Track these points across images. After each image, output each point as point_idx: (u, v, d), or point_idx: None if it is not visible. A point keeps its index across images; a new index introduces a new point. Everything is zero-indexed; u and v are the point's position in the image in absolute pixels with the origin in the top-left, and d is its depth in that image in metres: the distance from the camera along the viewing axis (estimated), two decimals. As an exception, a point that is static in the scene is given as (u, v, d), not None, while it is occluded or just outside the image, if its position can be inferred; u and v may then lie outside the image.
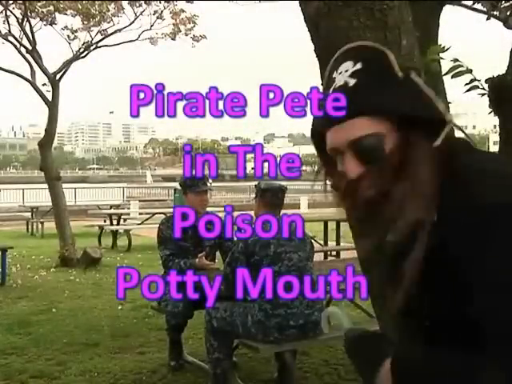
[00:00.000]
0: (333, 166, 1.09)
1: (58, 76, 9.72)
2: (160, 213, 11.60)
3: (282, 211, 3.79)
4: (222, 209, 13.74)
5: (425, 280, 0.99)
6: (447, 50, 1.88)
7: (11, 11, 9.67)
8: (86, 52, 10.38)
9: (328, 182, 1.15)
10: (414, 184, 1.00)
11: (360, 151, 1.01)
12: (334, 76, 1.06)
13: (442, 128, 1.03)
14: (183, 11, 10.99)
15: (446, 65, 1.93)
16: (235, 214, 14.60)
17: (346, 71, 1.04)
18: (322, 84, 1.14)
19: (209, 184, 4.58)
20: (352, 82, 1.02)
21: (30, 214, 15.29)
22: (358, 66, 1.03)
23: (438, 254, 0.97)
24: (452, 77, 1.89)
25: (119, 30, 10.59)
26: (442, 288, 0.99)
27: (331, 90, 1.05)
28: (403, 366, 0.99)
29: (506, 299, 0.90)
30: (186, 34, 11.16)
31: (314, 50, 1.80)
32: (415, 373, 0.97)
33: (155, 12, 10.91)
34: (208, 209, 4.73)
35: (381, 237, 1.13)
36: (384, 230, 1.12)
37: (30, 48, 9.60)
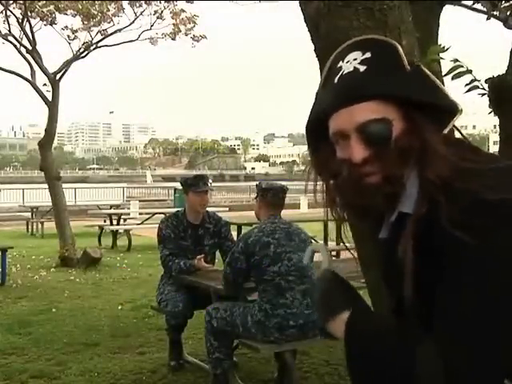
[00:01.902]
0: (330, 155, 1.09)
1: (58, 76, 9.72)
2: (160, 213, 11.60)
3: (283, 211, 3.79)
4: (222, 209, 13.77)
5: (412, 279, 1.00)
6: (447, 49, 1.88)
7: (11, 11, 9.67)
8: (86, 52, 10.37)
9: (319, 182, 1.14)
10: (425, 168, 1.00)
11: (366, 135, 1.01)
12: (339, 65, 1.06)
13: (452, 117, 1.04)
14: (183, 11, 10.98)
15: (446, 65, 1.93)
16: (236, 214, 14.58)
17: (355, 59, 1.05)
18: (321, 78, 1.13)
19: (209, 184, 4.59)
20: (362, 68, 1.03)
21: (30, 214, 15.29)
22: (368, 54, 1.04)
23: (425, 250, 0.97)
24: (452, 78, 1.89)
25: (119, 30, 10.58)
26: (426, 286, 0.99)
27: (338, 77, 1.05)
28: (356, 323, 1.04)
29: (464, 296, 0.91)
30: (186, 34, 11.15)
31: (314, 50, 1.80)
32: (364, 334, 1.02)
33: (155, 12, 10.90)
34: (208, 209, 4.74)
35: (377, 231, 1.14)
36: (380, 221, 1.12)
37: (30, 48, 9.59)
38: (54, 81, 9.66)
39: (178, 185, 17.79)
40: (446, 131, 1.04)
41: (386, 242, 1.11)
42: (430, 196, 0.98)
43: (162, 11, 10.91)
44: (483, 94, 2.00)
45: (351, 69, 1.04)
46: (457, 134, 1.13)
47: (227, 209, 15.16)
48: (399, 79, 1.02)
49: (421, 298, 1.00)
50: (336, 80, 1.05)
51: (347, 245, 1.22)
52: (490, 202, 0.91)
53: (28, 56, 9.61)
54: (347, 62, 1.05)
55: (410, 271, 0.98)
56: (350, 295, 1.10)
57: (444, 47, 1.89)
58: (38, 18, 10.03)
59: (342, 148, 1.05)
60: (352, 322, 1.03)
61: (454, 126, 1.07)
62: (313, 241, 4.01)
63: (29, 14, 9.56)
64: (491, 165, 0.98)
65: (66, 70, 9.90)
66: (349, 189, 1.05)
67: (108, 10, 10.45)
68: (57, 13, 10.23)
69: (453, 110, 1.04)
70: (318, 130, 1.10)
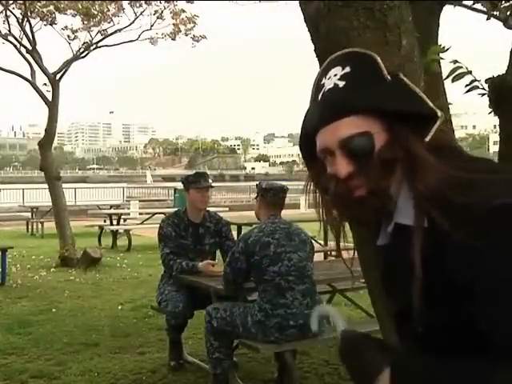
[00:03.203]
0: (322, 170, 1.10)
1: (58, 76, 9.73)
2: (160, 213, 11.60)
3: (283, 211, 3.79)
4: (222, 209, 13.77)
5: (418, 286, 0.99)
6: (447, 50, 1.88)
7: (11, 11, 9.67)
8: (86, 52, 10.38)
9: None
10: (413, 178, 1.00)
11: (349, 150, 1.02)
12: (322, 82, 1.08)
13: (433, 124, 1.04)
14: (183, 11, 10.98)
15: (446, 65, 1.93)
16: (236, 214, 14.56)
17: (335, 75, 1.06)
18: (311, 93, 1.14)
19: (210, 181, 4.61)
20: (341, 83, 1.04)
21: (30, 214, 15.29)
22: (347, 69, 1.05)
23: (432, 259, 0.96)
24: (452, 80, 1.89)
25: (119, 30, 10.58)
26: (436, 294, 0.98)
27: (321, 94, 1.07)
28: (405, 378, 0.98)
29: (509, 302, 0.90)
30: (186, 34, 11.16)
31: (314, 50, 1.80)
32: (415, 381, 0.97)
33: (155, 12, 10.90)
34: (208, 208, 4.74)
35: (375, 237, 1.13)
36: (378, 227, 1.12)
37: (30, 48, 9.60)
38: (54, 81, 9.66)
39: (177, 185, 17.81)
40: (427, 138, 1.04)
41: (385, 249, 1.11)
42: (426, 208, 0.97)
43: (162, 11, 10.91)
44: (483, 94, 2.00)
45: (331, 85, 1.05)
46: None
47: (227, 209, 15.16)
48: (378, 91, 1.03)
49: (428, 307, 0.99)
50: (320, 97, 1.07)
51: (344, 245, 1.21)
52: (492, 209, 0.91)
53: (28, 56, 9.62)
54: (328, 79, 1.07)
55: (419, 283, 0.97)
56: (382, 349, 1.05)
57: (444, 47, 1.89)
58: (38, 18, 10.03)
59: (329, 164, 1.07)
60: (397, 378, 0.98)
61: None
62: (313, 241, 4.00)
63: (29, 14, 9.57)
64: (485, 173, 0.96)
65: (66, 70, 9.90)
66: (338, 203, 1.07)
67: (108, 10, 10.45)
68: (57, 13, 10.23)
69: (434, 116, 1.04)
70: (309, 147, 1.12)
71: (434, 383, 0.95)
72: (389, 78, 1.04)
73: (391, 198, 1.03)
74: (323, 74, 1.09)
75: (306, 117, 1.12)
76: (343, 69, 1.05)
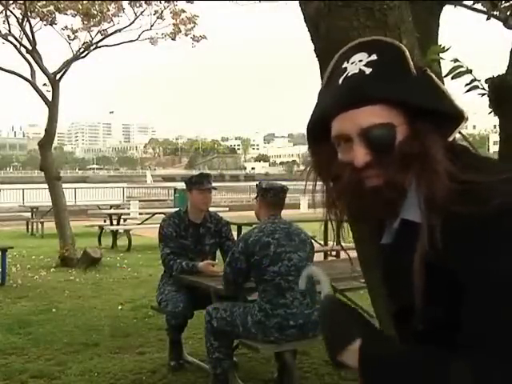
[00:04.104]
0: (331, 156, 1.07)
1: (58, 76, 9.73)
2: (160, 213, 11.61)
3: (283, 211, 3.79)
4: (222, 209, 13.77)
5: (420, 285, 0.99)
6: (447, 50, 1.88)
7: (11, 11, 9.67)
8: (86, 52, 10.38)
9: (319, 182, 1.12)
10: (422, 178, 0.98)
11: (370, 139, 1.00)
12: (344, 66, 1.05)
13: (457, 124, 1.03)
14: (183, 11, 10.98)
15: (446, 65, 1.93)
16: (236, 214, 14.56)
17: (360, 61, 1.03)
18: (322, 78, 1.12)
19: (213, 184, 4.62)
20: (368, 70, 1.01)
21: (30, 214, 15.30)
22: (373, 56, 1.02)
23: (436, 258, 0.96)
24: (452, 78, 1.89)
25: (119, 30, 10.58)
26: (437, 292, 0.98)
27: (342, 78, 1.03)
28: (371, 351, 1.00)
29: (492, 302, 0.90)
30: (186, 34, 11.16)
31: (314, 50, 1.80)
32: (382, 361, 0.99)
33: (155, 12, 10.90)
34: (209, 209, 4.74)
35: (378, 235, 1.13)
36: (382, 226, 1.11)
37: (30, 48, 9.60)
38: (54, 81, 9.66)
39: (177, 185, 17.81)
40: (450, 138, 1.03)
41: (390, 247, 1.10)
42: (435, 208, 0.96)
43: (162, 11, 10.91)
44: (483, 94, 1.99)
45: (356, 70, 1.02)
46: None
47: (227, 209, 15.15)
48: (405, 84, 1.00)
49: (429, 306, 0.99)
50: (340, 81, 1.03)
51: (344, 245, 1.20)
52: (492, 210, 0.91)
53: (28, 56, 9.62)
54: (352, 63, 1.03)
55: (422, 282, 0.97)
56: (358, 321, 1.06)
57: (444, 47, 1.89)
58: (38, 18, 10.03)
59: (343, 150, 1.04)
60: (366, 350, 1.00)
61: (459, 132, 1.06)
62: (313, 241, 4.00)
63: (29, 14, 9.56)
64: (495, 176, 0.95)
65: (66, 70, 9.90)
66: (348, 191, 1.04)
67: (108, 10, 10.45)
68: (57, 13, 10.23)
69: (458, 116, 1.03)
70: (319, 131, 1.09)
71: (395, 366, 0.97)
72: (415, 72, 1.02)
73: (404, 193, 1.01)
74: (344, 58, 1.06)
75: (320, 99, 1.09)
76: (369, 55, 1.02)
